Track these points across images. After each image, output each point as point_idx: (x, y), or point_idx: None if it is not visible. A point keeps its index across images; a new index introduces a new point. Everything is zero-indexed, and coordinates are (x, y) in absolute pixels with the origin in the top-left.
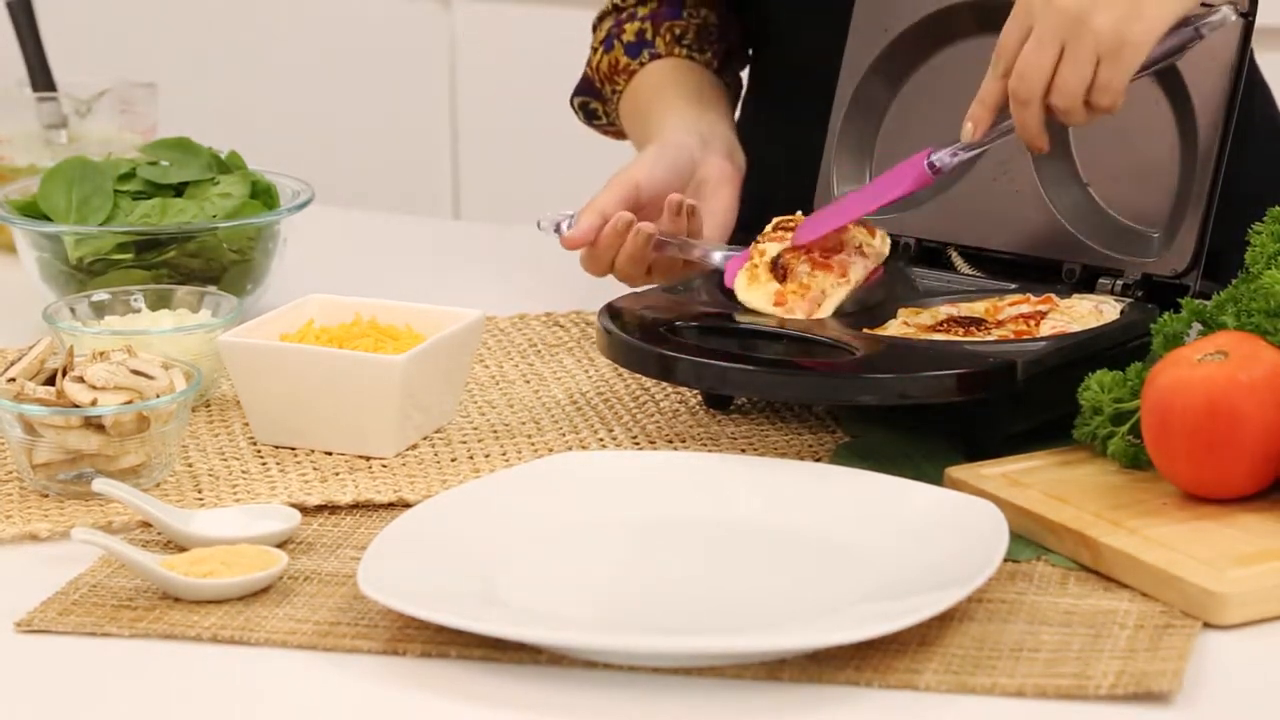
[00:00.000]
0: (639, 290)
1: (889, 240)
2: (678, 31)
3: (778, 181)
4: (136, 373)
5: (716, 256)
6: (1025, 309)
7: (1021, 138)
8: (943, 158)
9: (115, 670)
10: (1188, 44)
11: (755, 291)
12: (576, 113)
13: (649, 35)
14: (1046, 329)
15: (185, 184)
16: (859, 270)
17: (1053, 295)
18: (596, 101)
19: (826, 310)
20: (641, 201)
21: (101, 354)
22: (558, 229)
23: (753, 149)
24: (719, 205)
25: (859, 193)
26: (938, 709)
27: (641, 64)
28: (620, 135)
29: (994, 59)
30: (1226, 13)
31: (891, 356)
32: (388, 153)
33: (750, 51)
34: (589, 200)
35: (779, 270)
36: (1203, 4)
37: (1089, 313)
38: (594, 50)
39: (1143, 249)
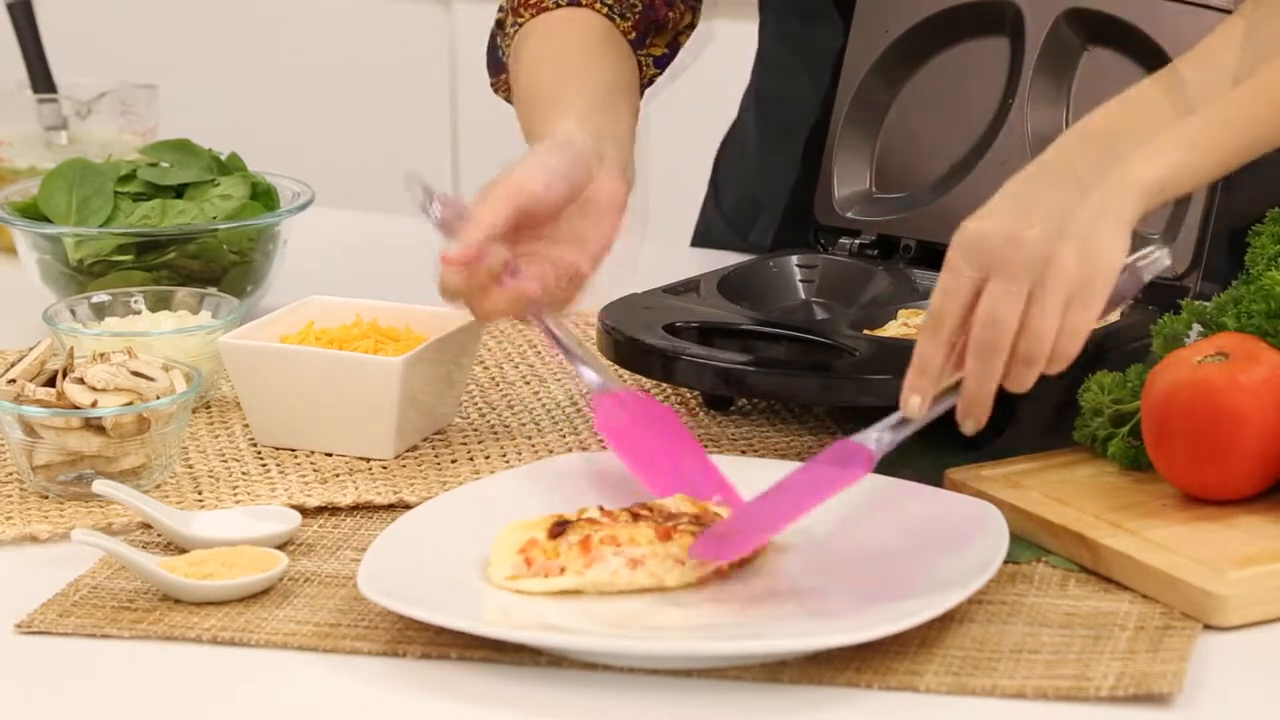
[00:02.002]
0: (639, 291)
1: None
2: None
3: (776, 183)
4: (137, 374)
5: (593, 378)
6: None
7: (966, 407)
8: (880, 438)
9: (115, 672)
10: (1128, 293)
11: (512, 534)
12: (490, 56)
13: None
14: None
15: (185, 185)
16: (603, 571)
17: None
18: (500, 34)
19: (543, 586)
20: (533, 213)
21: (102, 355)
22: (426, 209)
23: (751, 148)
24: (600, 232)
25: (780, 489)
26: (938, 710)
27: (557, 4)
28: (507, 94)
29: (930, 321)
30: (1160, 255)
31: (891, 357)
32: (388, 153)
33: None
34: (474, 205)
35: (556, 528)
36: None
37: None
38: None
39: None
